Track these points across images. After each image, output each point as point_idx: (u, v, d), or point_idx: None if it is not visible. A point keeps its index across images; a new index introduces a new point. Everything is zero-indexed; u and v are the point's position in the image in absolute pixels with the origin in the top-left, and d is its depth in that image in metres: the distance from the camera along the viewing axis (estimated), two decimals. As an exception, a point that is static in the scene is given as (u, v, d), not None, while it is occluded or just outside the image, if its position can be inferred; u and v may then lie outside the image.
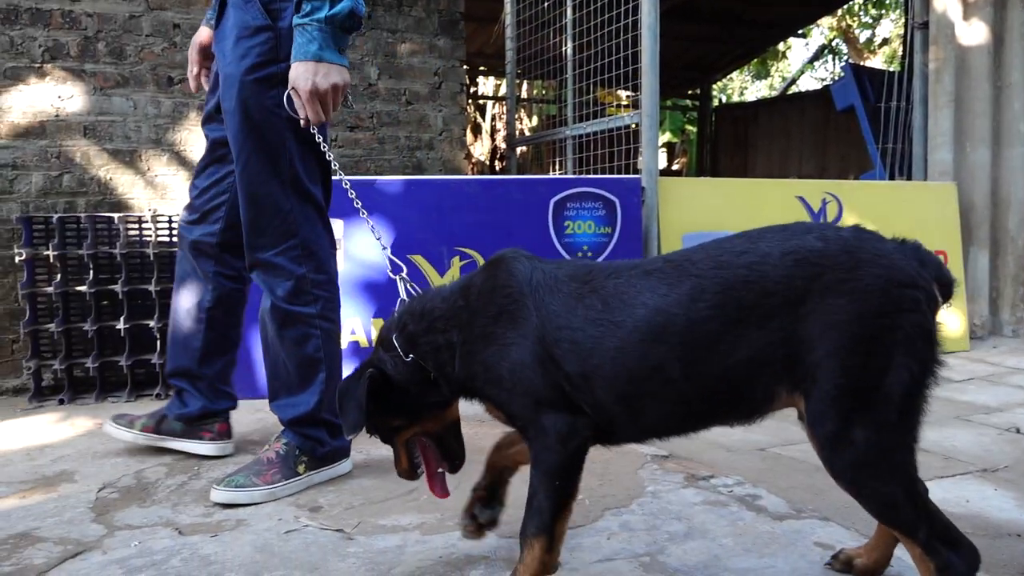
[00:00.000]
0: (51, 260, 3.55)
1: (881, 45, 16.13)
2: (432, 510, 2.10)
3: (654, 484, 2.30)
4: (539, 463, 1.53)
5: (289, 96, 2.03)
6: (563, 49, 4.92)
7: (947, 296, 1.46)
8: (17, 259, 3.52)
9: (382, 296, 3.51)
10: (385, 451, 2.63)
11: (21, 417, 3.28)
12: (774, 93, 18.08)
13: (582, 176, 4.03)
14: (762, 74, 19.00)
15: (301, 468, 2.30)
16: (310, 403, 2.33)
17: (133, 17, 3.96)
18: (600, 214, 3.80)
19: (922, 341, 1.37)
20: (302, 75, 1.96)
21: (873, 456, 1.37)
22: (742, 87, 20.52)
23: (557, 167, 5.40)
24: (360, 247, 3.48)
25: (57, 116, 3.89)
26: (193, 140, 4.10)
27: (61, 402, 3.47)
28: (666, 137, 15.42)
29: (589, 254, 3.78)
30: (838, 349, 1.36)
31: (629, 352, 1.46)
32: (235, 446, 2.63)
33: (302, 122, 2.06)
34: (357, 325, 3.55)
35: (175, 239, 3.71)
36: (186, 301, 2.50)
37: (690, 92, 12.53)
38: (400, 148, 4.58)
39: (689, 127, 15.04)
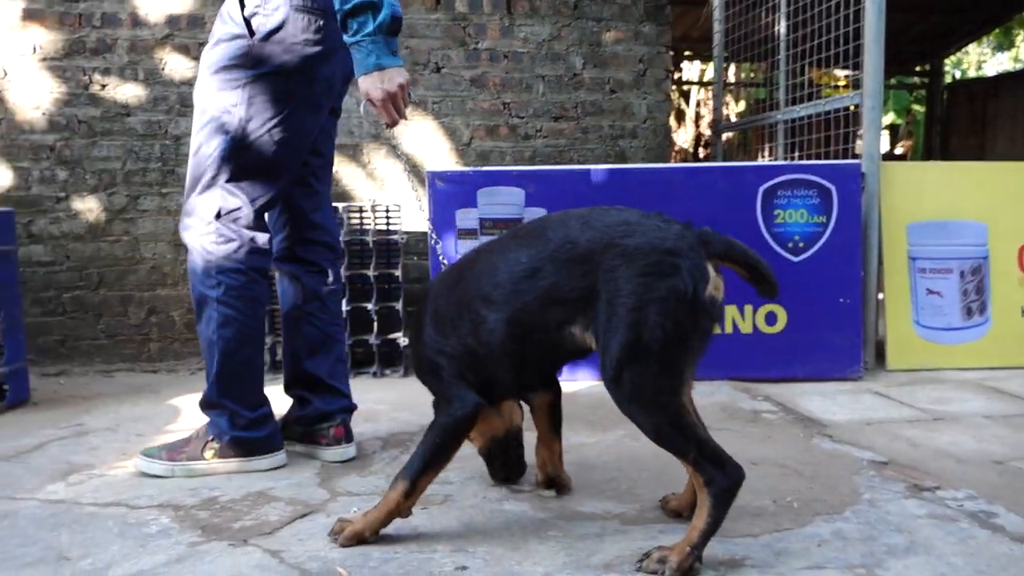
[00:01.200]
0: (285, 246, 3.91)
1: None
2: (631, 500, 2.09)
3: (871, 492, 2.15)
4: (435, 423, 1.89)
5: (366, 107, 2.17)
6: (775, 29, 4.68)
7: (754, 277, 1.75)
8: (257, 245, 3.90)
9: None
10: (580, 438, 2.67)
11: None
12: (1019, 66, 16.14)
13: (794, 162, 3.82)
14: (1005, 45, 16.95)
15: (209, 454, 2.34)
16: (208, 384, 2.36)
17: (357, 20, 4.24)
18: (814, 202, 3.58)
19: (676, 303, 1.60)
20: (372, 86, 2.08)
21: (638, 394, 1.66)
22: (980, 60, 18.48)
23: (766, 153, 5.16)
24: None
25: (291, 115, 4.26)
26: (407, 135, 4.33)
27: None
28: (889, 118, 14.23)
29: (801, 244, 3.58)
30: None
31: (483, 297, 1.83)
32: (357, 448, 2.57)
33: (385, 127, 2.21)
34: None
35: (392, 227, 3.96)
36: (288, 307, 2.58)
37: (918, 68, 11.45)
38: (603, 137, 4.57)
39: (916, 107, 13.80)
